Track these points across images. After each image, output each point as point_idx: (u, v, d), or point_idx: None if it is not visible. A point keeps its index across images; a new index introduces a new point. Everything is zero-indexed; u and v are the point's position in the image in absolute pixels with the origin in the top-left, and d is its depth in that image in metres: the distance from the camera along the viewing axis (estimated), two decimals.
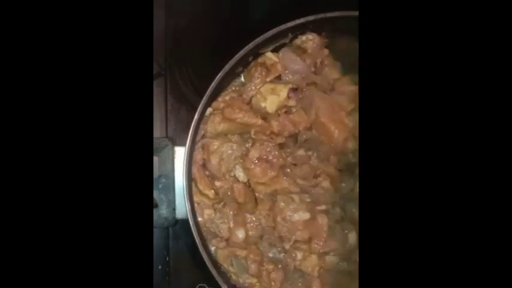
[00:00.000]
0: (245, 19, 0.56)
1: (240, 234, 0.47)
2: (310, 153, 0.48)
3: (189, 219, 0.45)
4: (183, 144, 0.46)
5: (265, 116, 0.48)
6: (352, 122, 0.48)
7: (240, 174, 0.48)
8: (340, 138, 0.47)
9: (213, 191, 0.48)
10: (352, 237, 0.47)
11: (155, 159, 0.48)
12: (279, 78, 0.49)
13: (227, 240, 0.48)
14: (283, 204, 0.47)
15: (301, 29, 0.48)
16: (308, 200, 0.47)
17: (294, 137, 0.49)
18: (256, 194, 0.48)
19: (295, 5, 0.51)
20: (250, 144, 0.48)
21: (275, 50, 0.49)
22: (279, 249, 0.48)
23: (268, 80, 0.48)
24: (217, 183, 0.48)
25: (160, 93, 0.56)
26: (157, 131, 0.56)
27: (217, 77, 0.46)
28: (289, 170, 0.48)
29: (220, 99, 0.49)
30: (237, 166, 0.48)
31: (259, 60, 0.48)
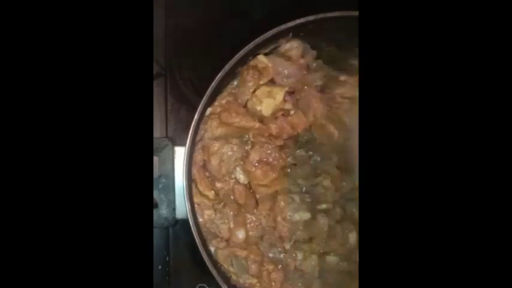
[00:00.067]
0: (245, 19, 0.56)
1: (240, 234, 0.47)
2: (310, 153, 0.48)
3: (189, 219, 0.45)
4: (183, 144, 0.46)
5: (262, 119, 0.48)
6: (350, 119, 0.48)
7: (241, 177, 0.48)
8: (340, 138, 0.47)
9: (213, 192, 0.48)
10: (353, 237, 0.47)
11: (155, 159, 0.48)
12: (273, 81, 0.49)
13: (227, 240, 0.48)
14: (283, 204, 0.47)
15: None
16: (308, 200, 0.47)
17: (294, 138, 0.49)
18: (257, 196, 0.48)
19: (295, 5, 0.51)
20: (249, 147, 0.48)
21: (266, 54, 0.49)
22: (279, 249, 0.48)
23: (261, 82, 0.48)
24: (218, 185, 0.48)
25: (160, 93, 0.56)
26: (157, 131, 0.56)
27: (217, 77, 0.46)
28: (289, 170, 0.48)
29: (216, 103, 0.49)
30: (237, 168, 0.48)
31: (251, 63, 0.48)
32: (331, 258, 0.47)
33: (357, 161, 0.41)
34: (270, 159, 0.47)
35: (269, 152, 0.47)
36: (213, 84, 0.46)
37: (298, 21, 0.47)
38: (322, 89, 0.49)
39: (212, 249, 0.48)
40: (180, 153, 0.47)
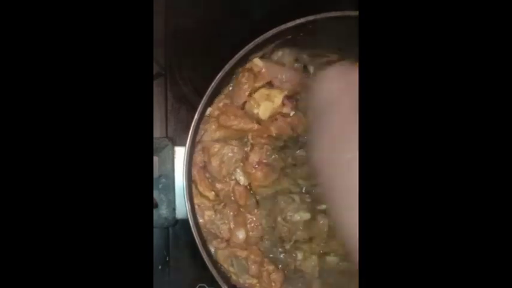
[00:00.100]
0: (245, 19, 0.56)
1: (241, 235, 0.47)
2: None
3: (189, 219, 0.45)
4: (183, 144, 0.46)
5: (260, 121, 0.48)
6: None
7: (241, 178, 0.48)
8: None
9: (213, 192, 0.48)
10: None
11: (155, 159, 0.48)
12: (272, 84, 0.49)
13: (227, 241, 0.48)
14: (283, 204, 0.47)
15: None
16: (308, 200, 0.47)
17: (294, 138, 0.49)
18: (257, 197, 0.48)
19: (295, 5, 0.51)
20: (249, 148, 0.48)
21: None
22: (280, 249, 0.48)
23: (257, 85, 0.48)
24: (218, 185, 0.48)
25: (160, 93, 0.56)
26: (157, 131, 0.56)
27: (217, 77, 0.46)
28: (289, 171, 0.48)
29: (214, 105, 0.49)
30: (237, 170, 0.48)
31: (247, 66, 0.48)
32: (331, 259, 0.47)
33: None
34: (270, 161, 0.47)
35: (268, 153, 0.47)
36: (213, 84, 0.46)
37: (298, 21, 0.47)
38: None
39: (212, 249, 0.48)
40: (180, 153, 0.47)
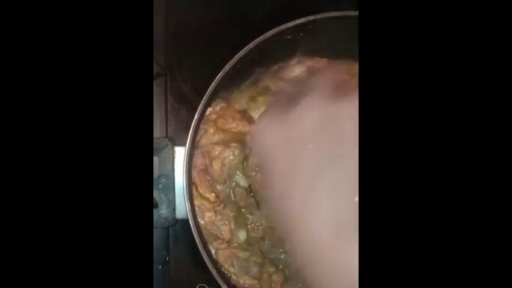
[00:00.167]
0: (245, 19, 0.56)
1: (242, 235, 0.47)
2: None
3: (189, 219, 0.45)
4: (183, 144, 0.46)
5: None
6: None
7: (241, 181, 0.48)
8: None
9: (213, 194, 0.48)
10: None
11: (155, 159, 0.48)
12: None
13: (228, 242, 0.48)
14: None
15: (278, 39, 0.48)
16: None
17: None
18: (257, 198, 0.48)
19: (295, 5, 0.51)
20: (248, 150, 0.48)
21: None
22: (280, 250, 0.47)
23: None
24: (218, 187, 0.48)
25: (160, 93, 0.56)
26: (157, 131, 0.56)
27: (217, 77, 0.46)
28: None
29: (211, 109, 0.49)
30: (237, 172, 0.48)
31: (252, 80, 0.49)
32: None
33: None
34: None
35: None
36: (213, 84, 0.46)
37: (298, 21, 0.47)
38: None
39: (213, 250, 0.48)
40: (180, 153, 0.47)
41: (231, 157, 0.48)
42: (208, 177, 0.48)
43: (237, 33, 0.54)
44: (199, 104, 0.46)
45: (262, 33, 0.47)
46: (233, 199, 0.48)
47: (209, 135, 0.48)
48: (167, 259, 0.55)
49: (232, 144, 0.48)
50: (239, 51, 0.46)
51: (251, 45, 0.46)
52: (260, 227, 0.47)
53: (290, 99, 0.41)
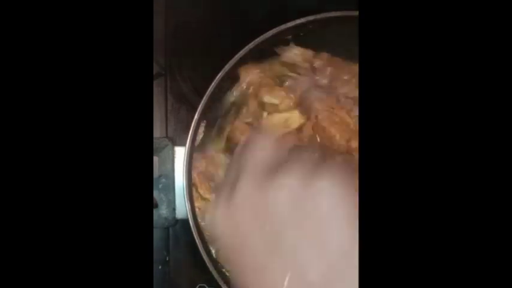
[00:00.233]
0: (245, 19, 0.56)
1: None
2: (316, 155, 0.48)
3: (190, 219, 0.45)
4: (183, 144, 0.46)
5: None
6: (354, 118, 0.47)
7: None
8: (342, 140, 0.47)
9: (214, 195, 0.48)
10: None
11: (155, 159, 0.48)
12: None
13: None
14: None
15: (278, 39, 0.48)
16: None
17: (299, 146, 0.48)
18: None
19: (295, 5, 0.51)
20: None
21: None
22: None
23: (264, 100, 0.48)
24: None
25: (160, 93, 0.56)
26: (157, 131, 0.56)
27: (217, 77, 0.46)
28: None
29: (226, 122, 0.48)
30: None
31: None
32: None
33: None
34: None
35: None
36: (213, 84, 0.46)
37: (298, 21, 0.47)
38: (327, 89, 0.49)
39: (213, 250, 0.48)
40: (180, 153, 0.47)
41: None
42: (212, 184, 0.48)
43: (237, 33, 0.54)
44: (199, 104, 0.46)
45: (262, 33, 0.47)
46: None
47: (216, 143, 0.48)
48: (167, 259, 0.55)
49: None
50: (239, 51, 0.46)
51: (251, 45, 0.46)
52: None
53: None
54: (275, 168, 0.36)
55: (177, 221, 0.49)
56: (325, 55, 0.50)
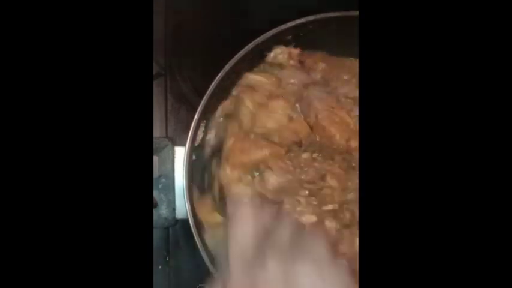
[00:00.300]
0: (245, 19, 0.56)
1: None
2: (315, 155, 0.48)
3: (189, 219, 0.45)
4: (183, 144, 0.47)
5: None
6: (354, 118, 0.47)
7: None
8: (342, 139, 0.47)
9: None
10: None
11: (155, 158, 0.48)
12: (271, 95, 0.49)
13: None
14: (289, 207, 0.46)
15: (278, 38, 0.48)
16: (315, 202, 0.46)
17: (298, 142, 0.48)
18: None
19: (295, 5, 0.51)
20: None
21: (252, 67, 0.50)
22: None
23: (260, 100, 0.48)
24: None
25: (160, 93, 0.56)
26: (157, 131, 0.56)
27: (217, 77, 0.46)
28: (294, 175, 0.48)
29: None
30: None
31: (242, 82, 0.49)
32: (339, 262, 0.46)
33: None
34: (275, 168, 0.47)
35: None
36: (213, 84, 0.46)
37: (298, 21, 0.47)
38: (326, 88, 0.49)
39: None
40: (180, 153, 0.47)
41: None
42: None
43: (237, 33, 0.54)
44: (199, 104, 0.46)
45: (262, 33, 0.47)
46: None
47: (227, 174, 0.48)
48: (167, 259, 0.55)
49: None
50: (239, 51, 0.46)
51: (251, 45, 0.47)
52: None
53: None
54: (257, 249, 0.36)
55: (177, 221, 0.49)
56: (317, 52, 0.50)
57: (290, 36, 0.49)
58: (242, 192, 0.47)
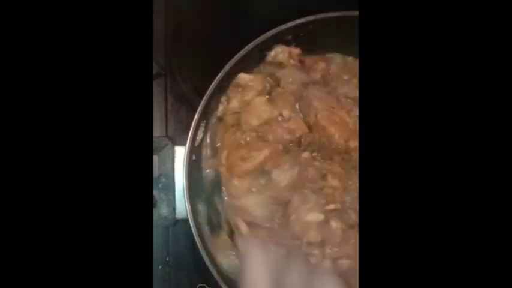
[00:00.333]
0: (245, 19, 0.56)
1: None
2: (314, 154, 0.48)
3: (189, 219, 0.45)
4: (183, 144, 0.47)
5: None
6: (353, 118, 0.47)
7: None
8: (341, 139, 0.47)
9: None
10: None
11: (155, 158, 0.48)
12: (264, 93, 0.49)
13: None
14: (297, 203, 0.46)
15: (278, 38, 0.48)
16: (323, 201, 0.46)
17: (297, 141, 0.48)
18: None
19: (295, 5, 0.51)
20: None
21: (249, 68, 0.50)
22: None
23: (246, 98, 0.48)
24: None
25: (160, 93, 0.56)
26: (157, 131, 0.56)
27: (217, 77, 0.46)
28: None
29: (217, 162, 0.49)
30: None
31: (234, 81, 0.49)
32: (344, 262, 0.46)
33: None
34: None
35: None
36: (213, 84, 0.46)
37: (298, 21, 0.47)
38: (324, 84, 0.49)
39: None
40: (180, 153, 0.48)
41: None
42: None
43: (237, 33, 0.54)
44: (199, 104, 0.46)
45: (262, 33, 0.47)
46: None
47: (232, 190, 0.48)
48: (167, 259, 0.55)
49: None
50: (239, 51, 0.46)
51: (251, 45, 0.47)
52: None
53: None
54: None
55: (177, 221, 0.49)
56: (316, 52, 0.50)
57: (290, 36, 0.49)
58: (253, 204, 0.47)
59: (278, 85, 0.49)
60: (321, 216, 0.45)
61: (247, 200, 0.47)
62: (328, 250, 0.45)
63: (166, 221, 0.48)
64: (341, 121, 0.47)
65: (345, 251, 0.45)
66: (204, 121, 0.49)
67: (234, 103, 0.49)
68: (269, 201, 0.47)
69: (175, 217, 0.48)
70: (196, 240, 0.45)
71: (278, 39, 0.48)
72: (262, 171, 0.47)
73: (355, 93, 0.49)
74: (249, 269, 0.38)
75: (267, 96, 0.49)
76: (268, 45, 0.48)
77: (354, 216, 0.46)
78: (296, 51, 0.49)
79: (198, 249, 0.45)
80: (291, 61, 0.49)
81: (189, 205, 0.45)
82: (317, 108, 0.47)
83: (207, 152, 0.49)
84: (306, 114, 0.48)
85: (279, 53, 0.49)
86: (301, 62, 0.50)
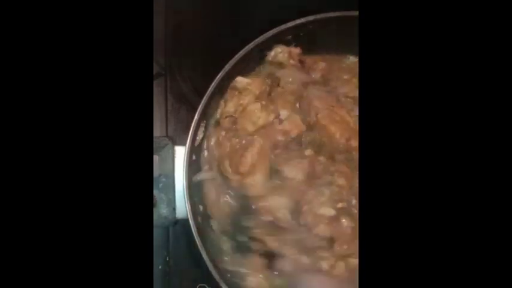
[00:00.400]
0: (245, 19, 0.56)
1: None
2: (316, 152, 0.48)
3: (189, 219, 0.45)
4: (183, 143, 0.47)
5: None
6: (354, 117, 0.47)
7: None
8: (342, 138, 0.47)
9: None
10: None
11: (155, 158, 0.48)
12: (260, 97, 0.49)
13: None
14: (311, 196, 0.46)
15: (278, 38, 0.48)
16: (336, 197, 0.46)
17: (297, 139, 0.48)
18: None
19: (295, 5, 0.51)
20: None
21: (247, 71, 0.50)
22: None
23: (242, 102, 0.48)
24: None
25: (160, 93, 0.56)
26: (158, 131, 0.56)
27: (217, 77, 0.46)
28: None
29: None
30: None
31: (231, 85, 0.49)
32: (353, 260, 0.46)
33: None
34: None
35: None
36: (213, 84, 0.46)
37: (298, 21, 0.47)
38: (324, 84, 0.50)
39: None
40: (180, 153, 0.47)
41: None
42: None
43: (237, 33, 0.54)
44: (199, 104, 0.46)
45: (262, 33, 0.47)
46: None
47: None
48: (167, 259, 0.55)
49: None
50: (239, 51, 0.46)
51: (251, 45, 0.47)
52: None
53: None
54: None
55: (177, 221, 0.49)
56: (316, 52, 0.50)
57: (290, 36, 0.49)
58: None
59: (278, 85, 0.49)
60: (332, 212, 0.45)
61: (272, 201, 0.47)
62: (337, 247, 0.45)
63: (166, 221, 0.48)
64: (341, 120, 0.47)
65: (355, 249, 0.45)
66: (204, 121, 0.49)
67: (230, 107, 0.49)
68: (290, 200, 0.47)
69: (175, 217, 0.48)
70: (196, 240, 0.45)
71: (278, 39, 0.48)
72: (273, 171, 0.47)
73: (355, 92, 0.49)
74: None
75: (263, 102, 0.49)
76: (268, 45, 0.48)
77: None
78: (296, 51, 0.49)
79: (198, 249, 0.45)
80: (291, 61, 0.49)
81: (189, 205, 0.45)
82: (317, 107, 0.47)
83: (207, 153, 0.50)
84: (306, 113, 0.48)
85: (279, 53, 0.49)
86: (301, 62, 0.50)
